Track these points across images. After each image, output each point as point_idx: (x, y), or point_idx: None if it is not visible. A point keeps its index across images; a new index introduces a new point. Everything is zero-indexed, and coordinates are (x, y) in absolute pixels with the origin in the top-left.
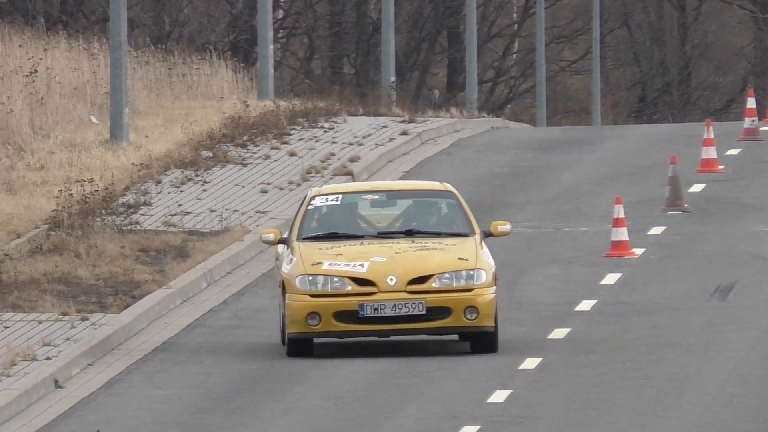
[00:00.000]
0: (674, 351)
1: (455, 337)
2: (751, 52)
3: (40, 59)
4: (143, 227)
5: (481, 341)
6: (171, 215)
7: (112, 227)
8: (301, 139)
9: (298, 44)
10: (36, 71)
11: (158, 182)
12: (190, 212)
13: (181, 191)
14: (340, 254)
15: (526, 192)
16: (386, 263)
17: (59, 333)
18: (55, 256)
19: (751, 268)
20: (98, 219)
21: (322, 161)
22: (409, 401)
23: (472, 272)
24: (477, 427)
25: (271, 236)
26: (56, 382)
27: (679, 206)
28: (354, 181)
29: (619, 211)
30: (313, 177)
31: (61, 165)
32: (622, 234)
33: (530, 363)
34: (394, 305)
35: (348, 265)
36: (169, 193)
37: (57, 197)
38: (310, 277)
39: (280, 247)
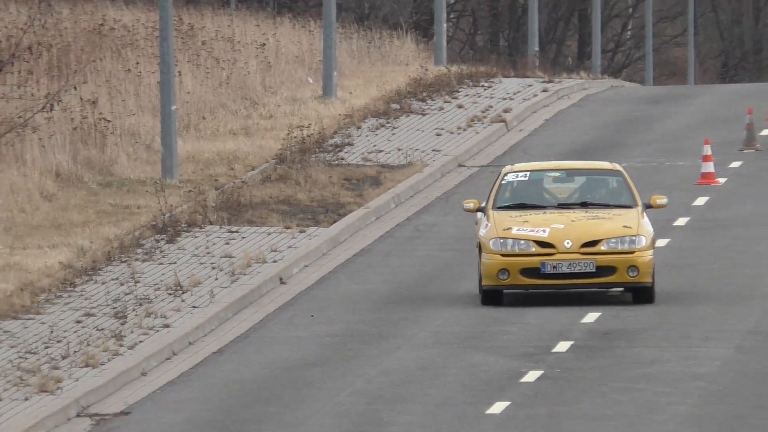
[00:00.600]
0: (749, 256)
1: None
2: None
3: (273, 34)
4: (347, 162)
5: (641, 294)
6: (368, 153)
7: (324, 162)
8: (466, 95)
9: (465, 23)
10: (265, 44)
11: (358, 128)
12: (382, 150)
13: (376, 135)
14: (527, 221)
15: (637, 135)
16: (564, 229)
17: (283, 242)
18: (280, 184)
19: None
20: (313, 156)
21: (483, 111)
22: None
23: (634, 238)
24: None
25: (471, 206)
26: (281, 279)
27: (753, 146)
28: (506, 126)
29: (708, 150)
30: (475, 123)
31: (285, 115)
32: (709, 167)
33: (661, 242)
34: (570, 264)
35: (533, 231)
36: (366, 136)
37: (282, 139)
38: (502, 240)
39: (479, 214)
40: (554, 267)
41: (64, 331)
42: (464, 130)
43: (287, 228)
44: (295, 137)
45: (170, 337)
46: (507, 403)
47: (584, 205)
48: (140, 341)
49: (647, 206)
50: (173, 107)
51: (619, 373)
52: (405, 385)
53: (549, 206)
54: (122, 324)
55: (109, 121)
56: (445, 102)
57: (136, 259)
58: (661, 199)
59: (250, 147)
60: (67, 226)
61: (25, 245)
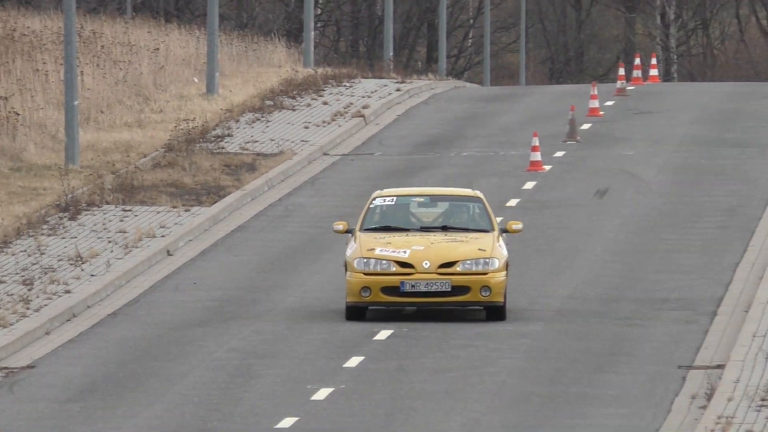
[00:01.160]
0: (569, 232)
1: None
2: (622, 37)
3: (163, 40)
4: (227, 150)
5: (493, 312)
6: (245, 143)
7: (206, 150)
8: (331, 94)
9: (330, 31)
10: (158, 48)
11: (237, 121)
12: (257, 141)
13: (252, 127)
14: (390, 243)
15: (476, 128)
16: (423, 251)
17: (170, 220)
18: (169, 169)
19: (619, 178)
20: (197, 145)
21: (345, 108)
22: None
23: (488, 260)
24: None
25: (340, 227)
26: (168, 251)
27: (575, 139)
28: (365, 120)
29: (536, 141)
30: (338, 118)
31: (174, 109)
32: (537, 156)
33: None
34: (427, 283)
35: (394, 252)
36: (244, 128)
37: (171, 131)
38: (365, 260)
39: (349, 235)
40: (413, 286)
41: None
42: (329, 123)
43: (174, 207)
44: (182, 129)
45: (71, 301)
46: (362, 358)
47: (445, 228)
48: (45, 305)
49: (504, 230)
50: (76, 102)
51: (459, 331)
52: (274, 342)
53: (412, 229)
54: (29, 290)
55: (19, 114)
56: (312, 99)
57: (42, 234)
58: (517, 225)
59: (142, 137)
60: None
61: None
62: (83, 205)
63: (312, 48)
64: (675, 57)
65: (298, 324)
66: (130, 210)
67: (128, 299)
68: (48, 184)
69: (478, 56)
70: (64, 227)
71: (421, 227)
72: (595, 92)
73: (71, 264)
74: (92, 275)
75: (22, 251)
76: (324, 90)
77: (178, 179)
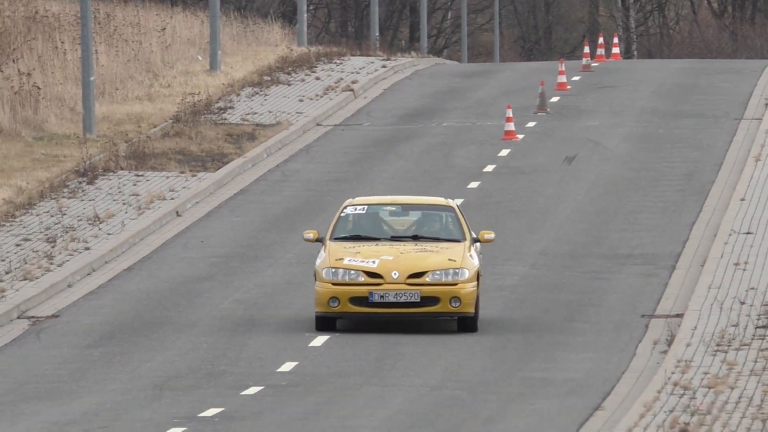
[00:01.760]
0: (541, 195)
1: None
2: (587, 19)
3: (169, 22)
4: (229, 121)
5: (463, 323)
6: (246, 114)
7: (210, 121)
8: (323, 70)
9: (321, 13)
10: (165, 29)
11: (238, 95)
12: (257, 113)
13: (252, 100)
14: (359, 252)
15: (455, 101)
16: (392, 261)
17: (179, 184)
18: (176, 138)
19: (586, 146)
20: (202, 116)
21: (335, 83)
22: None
23: (458, 270)
24: None
25: (311, 236)
26: (177, 212)
27: (545, 111)
28: (354, 94)
29: (509, 113)
30: (329, 92)
31: (180, 84)
32: (510, 126)
33: (473, 184)
34: (396, 294)
35: (363, 261)
36: (244, 101)
37: (178, 104)
38: (333, 270)
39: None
40: (381, 296)
41: (7, 252)
42: (321, 97)
43: (182, 173)
44: (188, 102)
45: (90, 257)
46: None
47: (416, 238)
48: (67, 260)
49: (476, 240)
50: (92, 78)
51: None
52: (275, 295)
53: (383, 238)
54: (52, 247)
55: (40, 89)
56: (306, 75)
57: (63, 197)
58: (489, 234)
59: (152, 110)
60: (8, 171)
61: None
62: (100, 170)
63: (305, 29)
64: (635, 36)
65: (296, 278)
66: (142, 175)
67: (142, 256)
68: (68, 151)
69: (455, 35)
70: (82, 191)
71: (392, 236)
72: (563, 68)
73: (90, 224)
74: (109, 234)
75: (45, 212)
76: (316, 67)
77: (186, 147)
